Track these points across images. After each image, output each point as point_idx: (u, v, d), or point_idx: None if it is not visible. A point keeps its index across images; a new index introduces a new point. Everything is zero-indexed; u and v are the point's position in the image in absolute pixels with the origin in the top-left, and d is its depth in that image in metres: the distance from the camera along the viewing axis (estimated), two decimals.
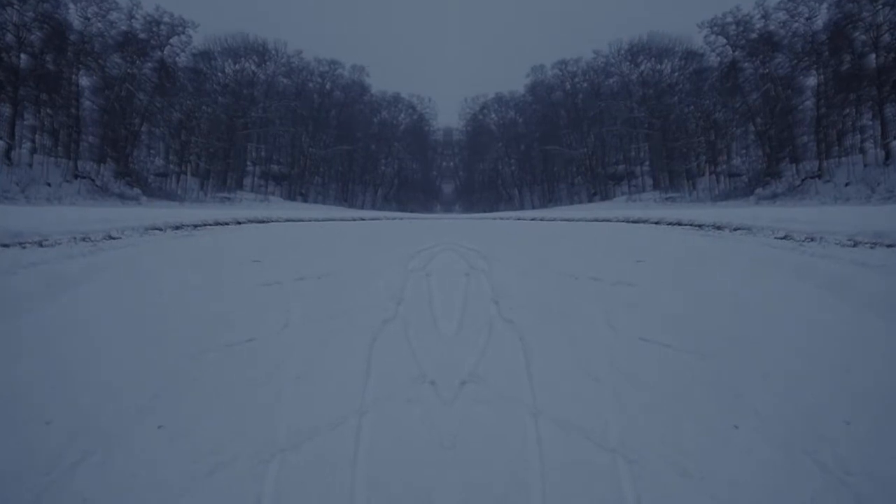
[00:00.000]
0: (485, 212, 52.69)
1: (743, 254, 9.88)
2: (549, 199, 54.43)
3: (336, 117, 54.51)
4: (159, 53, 40.50)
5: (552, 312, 5.34)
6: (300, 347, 4.33)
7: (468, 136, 62.64)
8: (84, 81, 37.35)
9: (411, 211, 54.32)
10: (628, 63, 48.57)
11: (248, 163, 48.28)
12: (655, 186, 46.46)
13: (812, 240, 10.69)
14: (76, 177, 35.57)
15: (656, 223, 18.83)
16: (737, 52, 40.98)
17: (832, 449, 2.78)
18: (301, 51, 51.05)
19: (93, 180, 36.28)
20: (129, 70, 38.53)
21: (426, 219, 34.75)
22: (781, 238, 11.45)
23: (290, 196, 49.90)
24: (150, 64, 40.04)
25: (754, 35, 39.66)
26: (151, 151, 41.01)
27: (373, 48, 77.17)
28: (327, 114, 53.94)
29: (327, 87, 54.05)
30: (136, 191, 37.44)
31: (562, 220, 26.65)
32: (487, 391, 3.58)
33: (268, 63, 49.10)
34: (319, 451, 2.85)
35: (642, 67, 47.93)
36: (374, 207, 54.51)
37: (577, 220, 24.80)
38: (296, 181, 51.34)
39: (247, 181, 47.66)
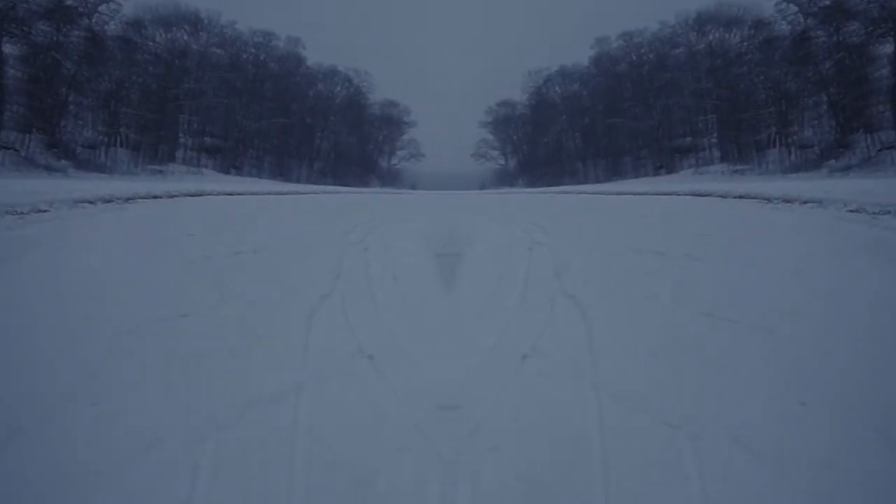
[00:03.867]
0: (548, 186, 51.71)
1: (813, 227, 9.84)
2: (614, 173, 53.61)
3: (271, 89, 53.64)
4: (87, 21, 39.23)
5: (615, 287, 5.33)
6: (236, 322, 4.32)
7: (531, 110, 62.07)
8: (7, 49, 36.03)
9: (346, 185, 53.99)
10: (695, 33, 47.50)
11: (181, 135, 47.21)
12: (723, 159, 45.49)
13: (887, 212, 10.47)
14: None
15: (723, 196, 18.35)
16: (809, 20, 39.43)
17: None
18: (235, 21, 49.96)
19: (17, 151, 35.13)
20: (55, 38, 37.30)
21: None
22: (853, 211, 11.19)
23: (224, 169, 48.99)
24: (77, 32, 38.66)
25: (827, 1, 38.15)
26: (80, 122, 39.82)
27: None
28: (262, 86, 53.01)
29: (262, 58, 53.23)
30: (64, 162, 36.29)
31: (627, 193, 25.99)
32: (548, 365, 3.52)
33: (201, 33, 47.88)
34: (257, 426, 2.82)
35: (710, 37, 46.85)
36: (309, 181, 53.98)
37: (642, 194, 24.31)
38: (229, 154, 50.44)
39: (179, 154, 46.48)
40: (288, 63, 54.66)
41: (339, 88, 59.44)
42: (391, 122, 63.81)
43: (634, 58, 52.69)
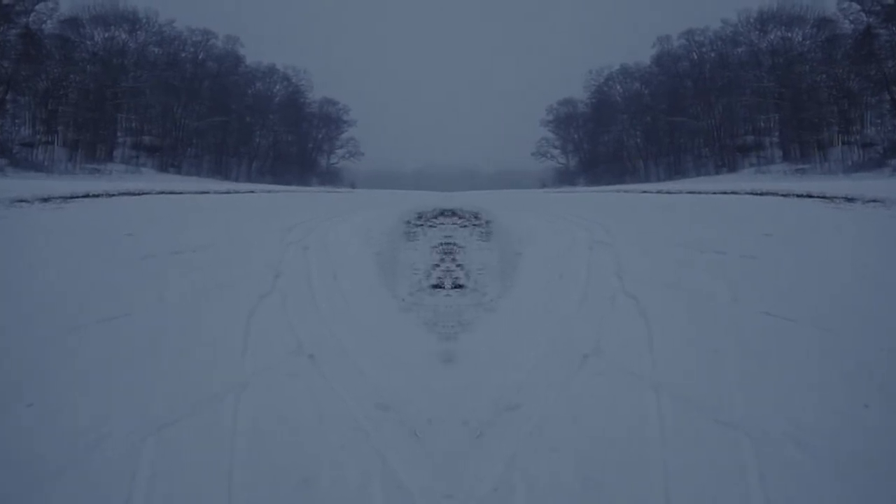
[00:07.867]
0: (609, 185, 49.80)
1: (875, 227, 9.66)
2: (676, 172, 52.97)
3: (210, 88, 53.59)
4: (25, 20, 39.12)
5: (676, 287, 5.36)
6: (177, 321, 4.37)
7: (592, 108, 61.30)
8: None
9: (287, 184, 54.18)
10: (757, 32, 47.18)
11: (119, 134, 47.06)
12: (785, 158, 44.84)
13: None
14: None
15: (784, 196, 17.72)
16: (871, 18, 39.11)
17: None
18: (174, 20, 49.97)
19: None
20: None
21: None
22: None
23: (163, 168, 48.77)
24: (14, 30, 38.55)
25: (890, 0, 37.91)
26: (17, 121, 39.72)
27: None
28: (201, 84, 52.91)
29: (200, 57, 53.35)
30: (1, 161, 36.36)
31: (687, 192, 25.81)
32: (607, 364, 3.61)
33: (139, 32, 47.75)
34: (198, 426, 2.86)
35: (772, 36, 46.60)
36: (249, 180, 54.06)
37: (703, 193, 23.90)
38: (168, 153, 50.42)
39: (117, 152, 46.22)
40: (226, 62, 54.83)
41: (277, 87, 59.85)
42: (330, 121, 64.23)
43: (696, 56, 52.68)
